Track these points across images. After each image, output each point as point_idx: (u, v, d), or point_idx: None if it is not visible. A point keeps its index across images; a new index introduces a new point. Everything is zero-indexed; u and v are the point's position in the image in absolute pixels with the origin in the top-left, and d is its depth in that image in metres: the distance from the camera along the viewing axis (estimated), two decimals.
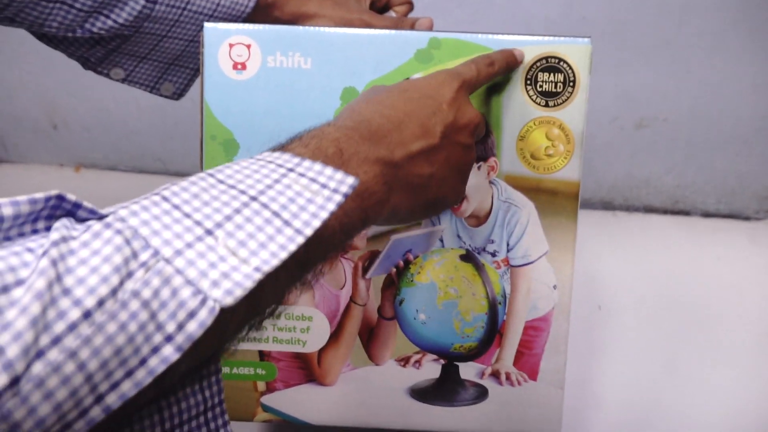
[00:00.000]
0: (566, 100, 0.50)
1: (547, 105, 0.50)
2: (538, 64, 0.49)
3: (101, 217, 0.28)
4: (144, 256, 0.27)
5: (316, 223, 0.30)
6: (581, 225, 0.52)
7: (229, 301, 0.27)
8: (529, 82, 0.50)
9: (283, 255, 0.29)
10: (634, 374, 0.74)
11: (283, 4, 0.56)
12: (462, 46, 0.49)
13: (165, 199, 0.29)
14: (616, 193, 0.95)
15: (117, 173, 1.00)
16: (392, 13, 0.61)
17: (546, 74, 0.49)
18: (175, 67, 0.59)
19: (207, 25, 0.50)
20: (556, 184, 0.51)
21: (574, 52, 0.49)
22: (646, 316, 0.80)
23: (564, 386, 0.53)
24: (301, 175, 0.32)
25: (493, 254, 0.52)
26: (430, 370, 0.53)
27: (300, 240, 0.30)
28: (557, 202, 0.51)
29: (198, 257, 0.27)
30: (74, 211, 0.28)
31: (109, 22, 0.52)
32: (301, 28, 0.50)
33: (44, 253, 0.25)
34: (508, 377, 0.53)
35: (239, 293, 0.27)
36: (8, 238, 0.26)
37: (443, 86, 0.42)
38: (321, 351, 0.53)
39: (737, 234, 0.93)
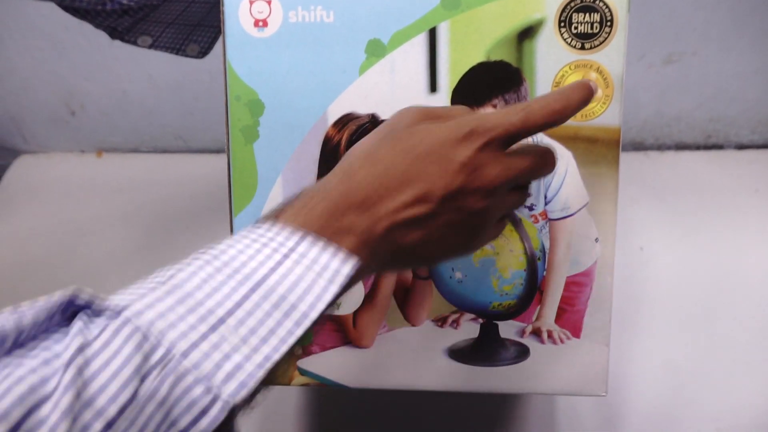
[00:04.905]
0: (604, 41, 0.47)
1: (583, 47, 0.47)
2: (573, 4, 0.47)
3: (116, 311, 0.29)
4: (158, 354, 0.28)
5: (321, 306, 0.32)
6: None
7: (241, 395, 0.28)
8: (563, 24, 0.47)
9: (291, 340, 0.30)
10: (682, 318, 0.73)
11: None
12: None
13: (176, 287, 0.30)
14: (646, 132, 0.92)
15: (139, 155, 0.99)
16: None
17: (581, 14, 0.47)
18: (200, 27, 0.58)
19: None
20: (596, 131, 0.48)
21: None
22: (688, 256, 0.78)
23: (609, 343, 0.51)
24: (302, 255, 0.33)
25: (531, 208, 0.50)
26: (469, 329, 0.52)
27: (307, 323, 0.31)
28: (597, 150, 0.48)
29: (212, 349, 0.29)
30: (89, 306, 0.29)
31: None
32: None
33: (68, 364, 0.26)
34: (549, 335, 0.51)
35: (252, 385, 0.29)
36: (31, 338, 0.28)
37: (459, 146, 0.36)
38: (356, 313, 0.52)
39: None
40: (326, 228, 0.34)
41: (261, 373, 0.29)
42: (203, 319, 0.29)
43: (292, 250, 0.33)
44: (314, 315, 0.31)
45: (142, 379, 0.27)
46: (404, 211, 0.35)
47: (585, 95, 0.38)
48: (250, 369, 0.29)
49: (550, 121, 0.37)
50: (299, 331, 0.31)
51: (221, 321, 0.29)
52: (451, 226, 0.36)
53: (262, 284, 0.31)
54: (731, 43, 0.85)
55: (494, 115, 0.37)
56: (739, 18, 0.84)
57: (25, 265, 0.82)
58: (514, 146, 0.38)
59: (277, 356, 0.30)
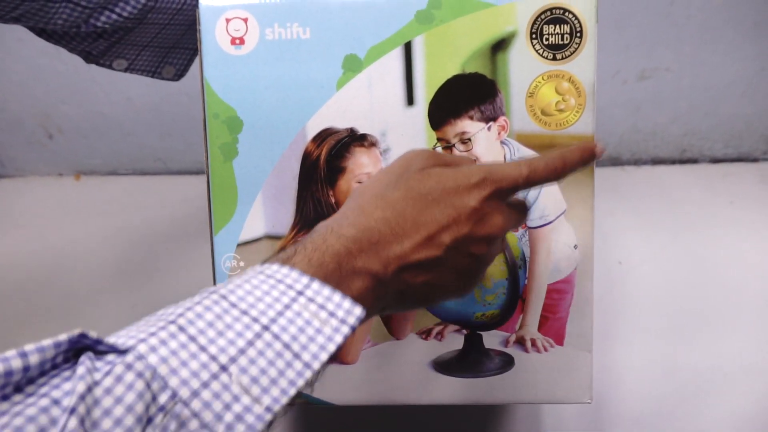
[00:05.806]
0: (574, 51, 0.48)
1: (554, 58, 0.48)
2: (543, 16, 0.48)
3: (121, 352, 0.29)
4: (162, 399, 0.28)
5: (324, 356, 0.31)
6: None
7: None
8: (534, 35, 0.48)
9: (293, 391, 0.30)
10: (662, 329, 0.73)
11: None
12: (464, 3, 0.48)
13: (181, 329, 0.30)
14: (623, 147, 0.94)
15: (117, 177, 0.98)
16: None
17: (551, 26, 0.48)
18: (175, 50, 0.58)
19: (202, 2, 0.49)
20: (570, 140, 0.49)
21: (579, 1, 0.47)
22: (666, 268, 0.79)
23: (592, 349, 0.52)
24: (310, 300, 0.33)
25: None
26: (453, 341, 0.52)
27: (308, 374, 0.31)
28: None
29: (213, 398, 0.29)
30: (94, 346, 0.29)
31: (114, 16, 0.52)
32: None
33: (73, 410, 0.26)
34: (533, 343, 0.51)
35: None
36: (31, 381, 0.27)
37: (470, 193, 0.37)
38: None
39: (747, 176, 0.92)
40: (339, 269, 0.35)
41: (260, 426, 0.29)
42: (205, 366, 0.29)
43: (303, 289, 0.33)
44: (316, 366, 0.31)
45: (147, 422, 0.27)
46: (414, 253, 0.36)
47: (583, 156, 0.40)
48: (250, 420, 0.29)
49: (551, 178, 0.39)
50: (300, 382, 0.30)
51: (223, 368, 0.29)
52: (454, 270, 0.38)
53: (268, 328, 0.31)
54: (704, 58, 0.87)
55: (503, 166, 0.39)
56: (711, 34, 0.86)
57: (3, 290, 0.81)
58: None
59: (277, 407, 0.29)
